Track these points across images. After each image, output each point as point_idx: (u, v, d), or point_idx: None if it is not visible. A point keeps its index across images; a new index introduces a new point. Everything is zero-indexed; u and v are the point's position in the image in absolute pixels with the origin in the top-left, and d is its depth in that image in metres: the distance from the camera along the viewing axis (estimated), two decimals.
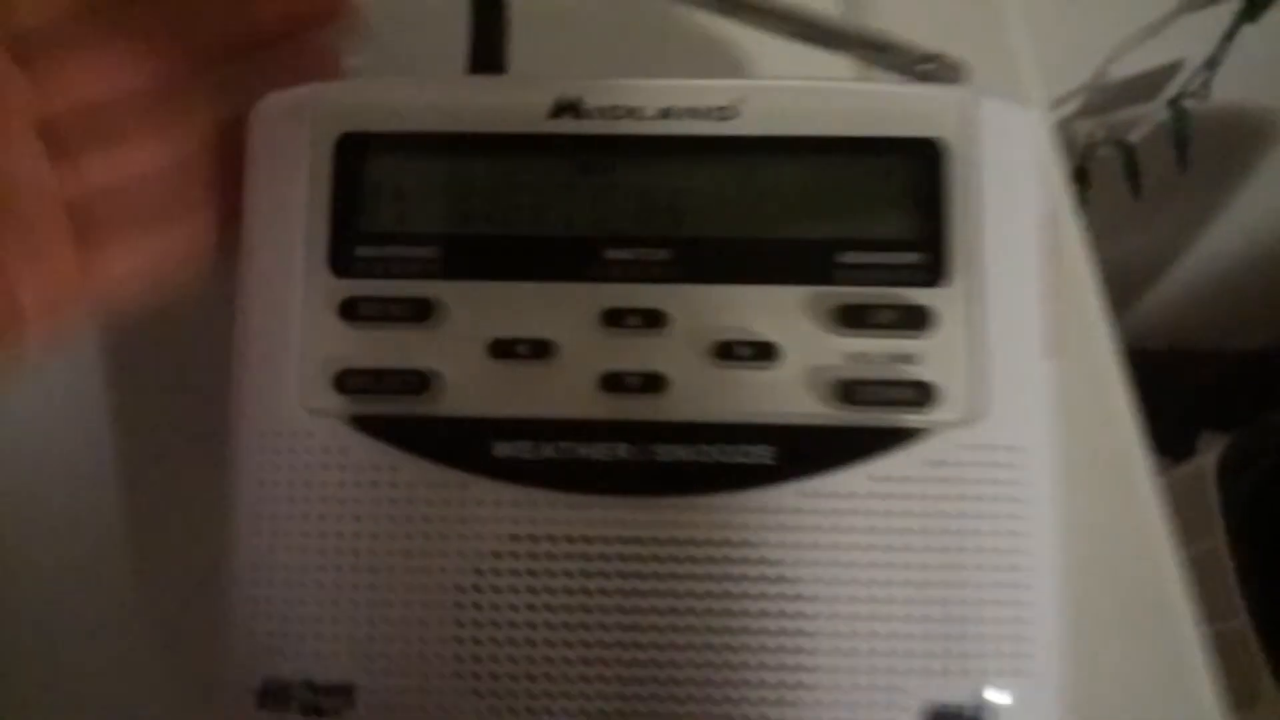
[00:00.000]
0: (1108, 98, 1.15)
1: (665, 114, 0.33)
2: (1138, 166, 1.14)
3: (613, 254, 0.33)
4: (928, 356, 0.32)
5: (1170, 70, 1.12)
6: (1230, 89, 1.07)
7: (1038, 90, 0.46)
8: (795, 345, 0.32)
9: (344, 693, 0.32)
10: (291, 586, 0.32)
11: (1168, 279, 1.38)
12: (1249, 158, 1.19)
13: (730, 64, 0.45)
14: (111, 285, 0.32)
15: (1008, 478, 0.32)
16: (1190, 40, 1.06)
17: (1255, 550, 1.08)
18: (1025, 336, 0.33)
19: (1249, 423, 1.13)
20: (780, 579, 0.31)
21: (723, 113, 0.33)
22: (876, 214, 0.33)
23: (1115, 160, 1.13)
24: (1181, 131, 1.11)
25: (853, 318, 0.32)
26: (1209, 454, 1.09)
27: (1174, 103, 1.12)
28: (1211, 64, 1.05)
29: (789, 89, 0.34)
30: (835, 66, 0.41)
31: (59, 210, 0.30)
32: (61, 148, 0.30)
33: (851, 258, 0.33)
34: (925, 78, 0.35)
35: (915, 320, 0.32)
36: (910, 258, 0.33)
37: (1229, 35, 1.01)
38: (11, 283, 0.29)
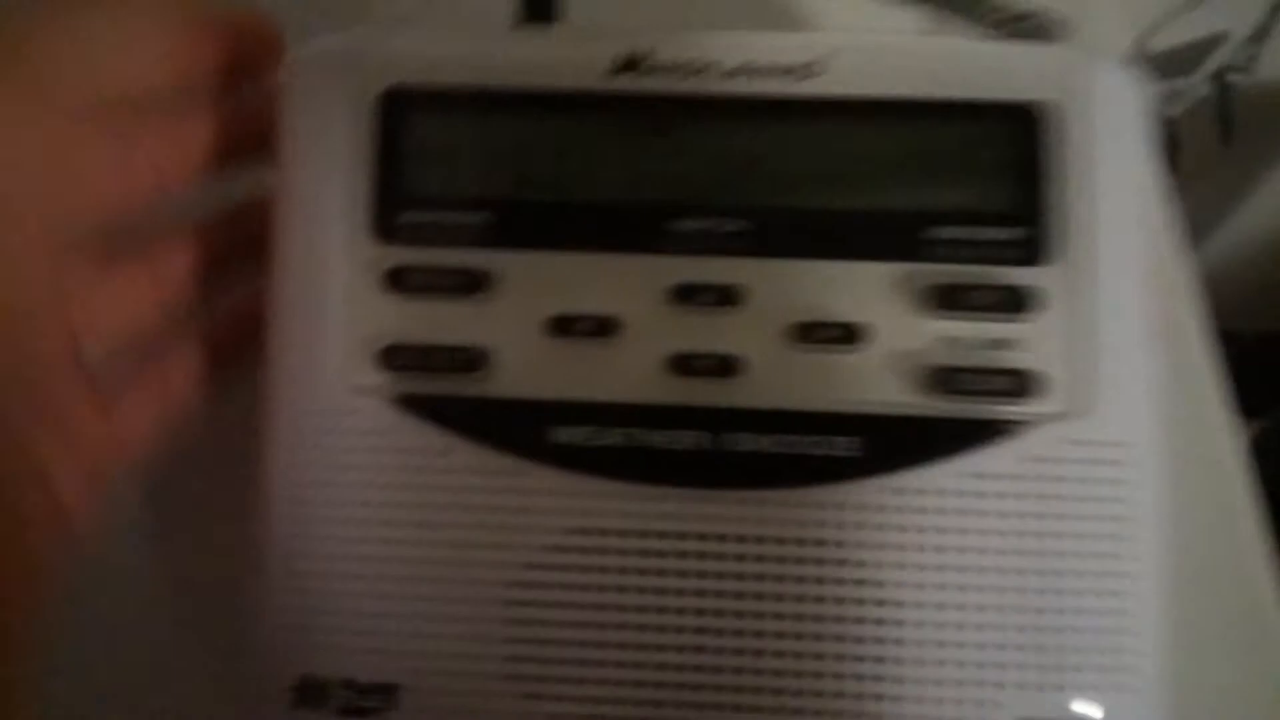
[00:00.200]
0: (1148, 70, 1.12)
1: (739, 71, 0.30)
2: (1178, 141, 1.10)
3: (682, 224, 0.30)
4: (1027, 342, 0.30)
5: (1213, 42, 1.09)
6: (1277, 63, 1.03)
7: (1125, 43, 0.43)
8: (882, 327, 0.30)
9: (386, 692, 0.29)
10: (331, 579, 0.30)
11: (1201, 255, 1.34)
12: None
13: (792, 17, 0.42)
14: (135, 439, 0.31)
15: (1112, 476, 0.30)
16: (1235, 12, 1.02)
17: None
18: (1132, 320, 0.30)
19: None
20: (864, 581, 0.29)
21: (803, 71, 0.30)
22: (972, 184, 0.30)
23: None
24: (1225, 106, 1.07)
25: (946, 298, 0.30)
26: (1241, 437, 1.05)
27: (1217, 76, 1.08)
28: (1258, 37, 1.01)
29: (877, 45, 0.31)
30: (901, 22, 0.38)
31: (86, 388, 0.29)
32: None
33: (945, 232, 0.30)
34: (1021, 36, 0.32)
35: (1014, 302, 0.30)
36: (1009, 233, 0.30)
37: (1277, 7, 0.98)
38: (52, 481, 0.28)
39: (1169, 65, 1.12)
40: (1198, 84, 1.10)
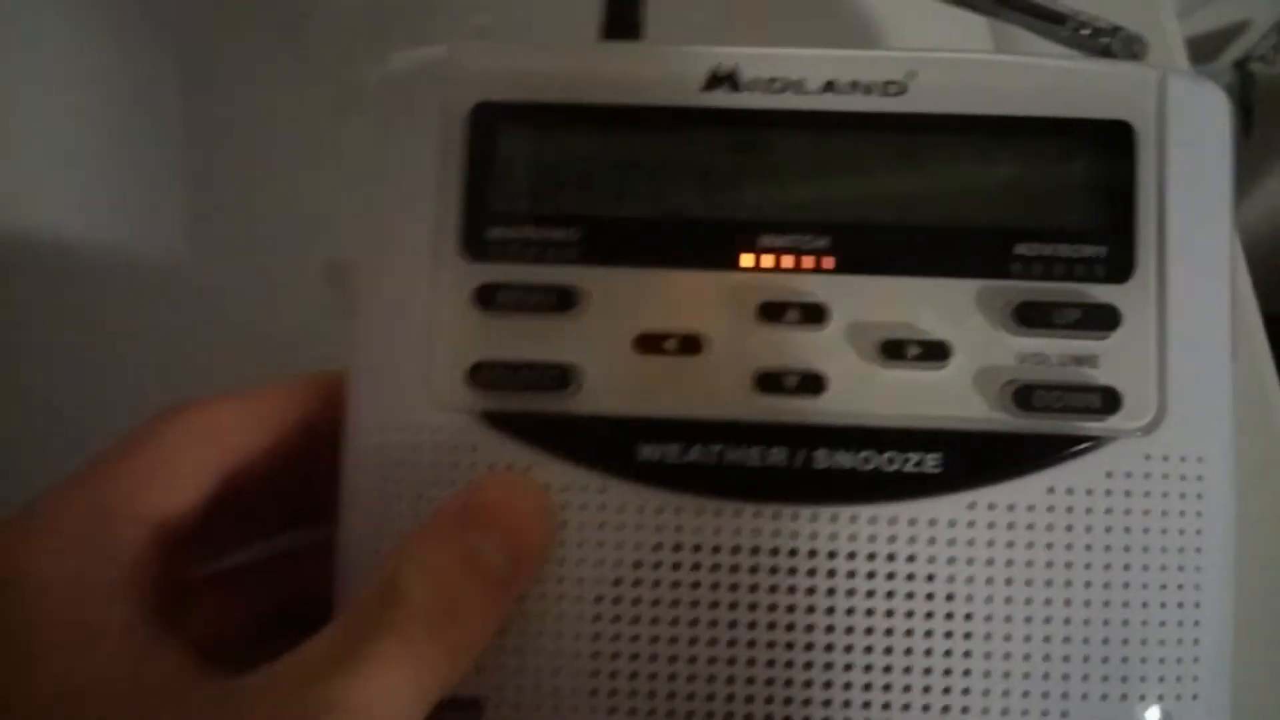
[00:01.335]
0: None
1: (829, 87, 0.30)
2: None
3: (770, 241, 0.30)
4: (1110, 358, 0.30)
5: (1236, 31, 1.08)
6: None
7: (1181, 58, 0.43)
8: (967, 345, 0.30)
9: (472, 707, 0.29)
10: None
11: None
12: None
13: (869, 33, 0.42)
14: None
15: (1190, 490, 0.30)
16: (1258, 1, 1.02)
17: None
18: (1212, 337, 0.30)
19: None
20: (946, 596, 0.29)
21: (892, 87, 0.30)
22: (1059, 202, 0.30)
23: None
24: (1246, 95, 1.07)
25: (1031, 316, 0.29)
26: None
27: (1239, 65, 1.08)
28: None
29: (964, 62, 0.31)
30: (980, 35, 0.38)
31: None
32: None
33: (1031, 249, 0.30)
34: (1100, 53, 0.32)
35: (1099, 320, 0.30)
36: (1095, 251, 0.30)
37: None
38: None
39: (1194, 53, 1.12)
40: (1219, 72, 1.10)
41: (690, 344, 0.30)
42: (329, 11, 0.32)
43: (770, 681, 0.29)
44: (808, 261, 0.30)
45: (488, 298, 0.30)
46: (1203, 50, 1.13)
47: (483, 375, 0.30)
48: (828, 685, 0.29)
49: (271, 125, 0.42)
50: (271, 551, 0.35)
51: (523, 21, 0.37)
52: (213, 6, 0.43)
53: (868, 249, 0.30)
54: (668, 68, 0.31)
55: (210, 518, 0.30)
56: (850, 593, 0.29)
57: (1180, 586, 0.29)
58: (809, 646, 0.29)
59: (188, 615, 0.31)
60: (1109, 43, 0.32)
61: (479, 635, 0.27)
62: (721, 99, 0.30)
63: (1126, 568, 0.29)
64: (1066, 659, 0.29)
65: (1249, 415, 0.40)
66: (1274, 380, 0.40)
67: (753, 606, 0.29)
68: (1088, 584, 0.29)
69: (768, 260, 0.30)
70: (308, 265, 0.39)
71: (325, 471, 0.30)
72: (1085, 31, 0.32)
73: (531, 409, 0.30)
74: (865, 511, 0.29)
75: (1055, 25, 0.32)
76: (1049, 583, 0.29)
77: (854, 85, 0.30)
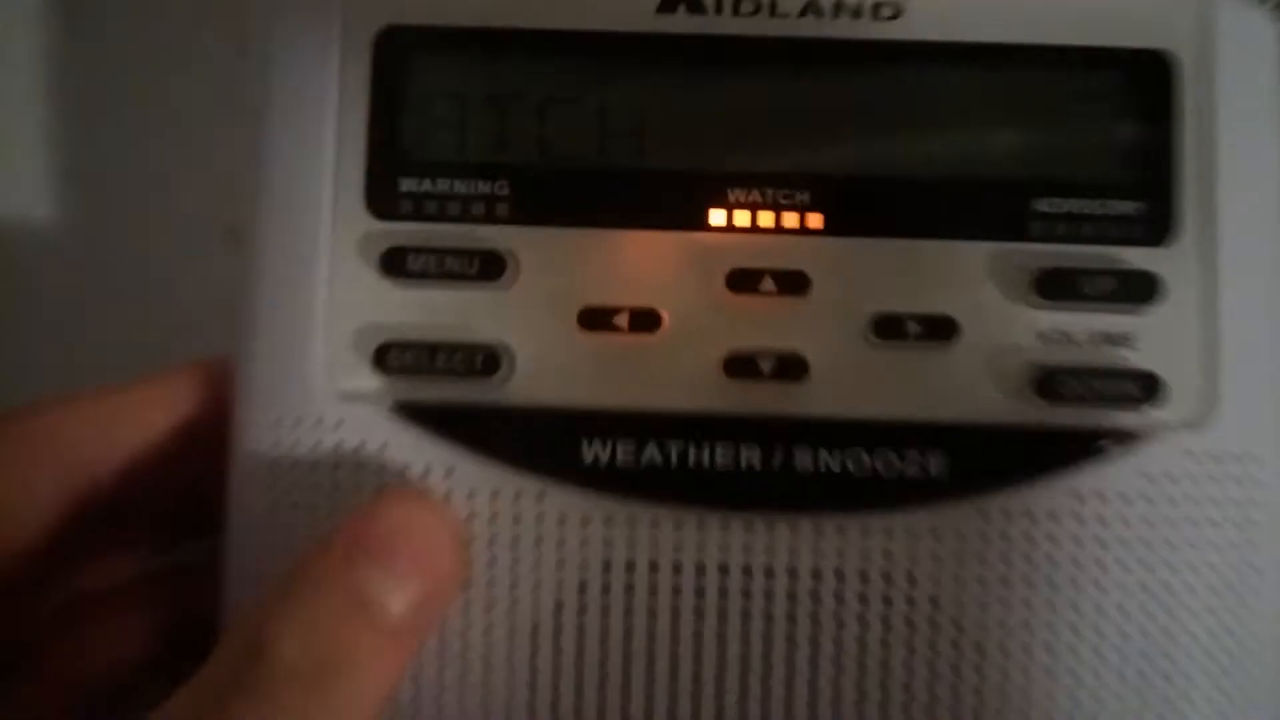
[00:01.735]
0: None
1: (810, 9, 0.26)
2: None
3: (740, 195, 0.26)
4: (1149, 337, 0.26)
5: None
6: None
7: None
8: (978, 321, 0.26)
9: None
10: None
11: None
12: None
13: None
14: None
15: (1243, 496, 0.26)
16: None
17: None
18: (1271, 310, 0.26)
19: None
20: (953, 623, 0.25)
21: (885, 9, 0.27)
22: (1086, 148, 0.27)
23: None
24: None
25: (1054, 286, 0.26)
26: None
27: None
28: None
29: None
30: None
31: None
32: None
33: (1053, 205, 0.26)
34: None
35: (1137, 290, 0.26)
36: (1130, 207, 0.26)
37: None
38: None
39: None
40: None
41: (645, 320, 0.26)
42: None
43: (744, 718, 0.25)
44: (786, 220, 0.26)
45: (397, 264, 0.26)
46: None
47: (393, 358, 0.26)
48: None
49: (161, 68, 0.37)
50: (167, 565, 0.30)
51: None
52: None
53: (857, 205, 0.26)
54: None
55: (64, 543, 0.26)
56: (840, 622, 0.25)
57: (1230, 610, 0.26)
58: (789, 683, 0.25)
59: (63, 645, 0.28)
60: None
61: (372, 693, 0.22)
62: (680, 23, 0.26)
63: (1168, 589, 0.25)
64: (1097, 697, 0.25)
65: None
66: None
67: (721, 638, 0.25)
68: (1121, 608, 0.25)
69: (738, 218, 0.26)
70: (209, 229, 0.34)
71: (215, 474, 0.26)
72: None
73: (453, 399, 0.26)
74: (855, 522, 0.25)
75: None
76: (1076, 608, 0.25)
77: (839, 7, 0.26)
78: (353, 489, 0.25)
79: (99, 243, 0.37)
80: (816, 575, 0.25)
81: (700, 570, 0.25)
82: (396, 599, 0.22)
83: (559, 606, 0.25)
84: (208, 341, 0.27)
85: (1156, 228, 0.26)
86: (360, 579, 0.22)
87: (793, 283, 0.26)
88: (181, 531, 0.29)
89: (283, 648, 0.21)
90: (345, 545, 0.23)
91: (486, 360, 0.26)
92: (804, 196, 0.26)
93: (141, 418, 0.27)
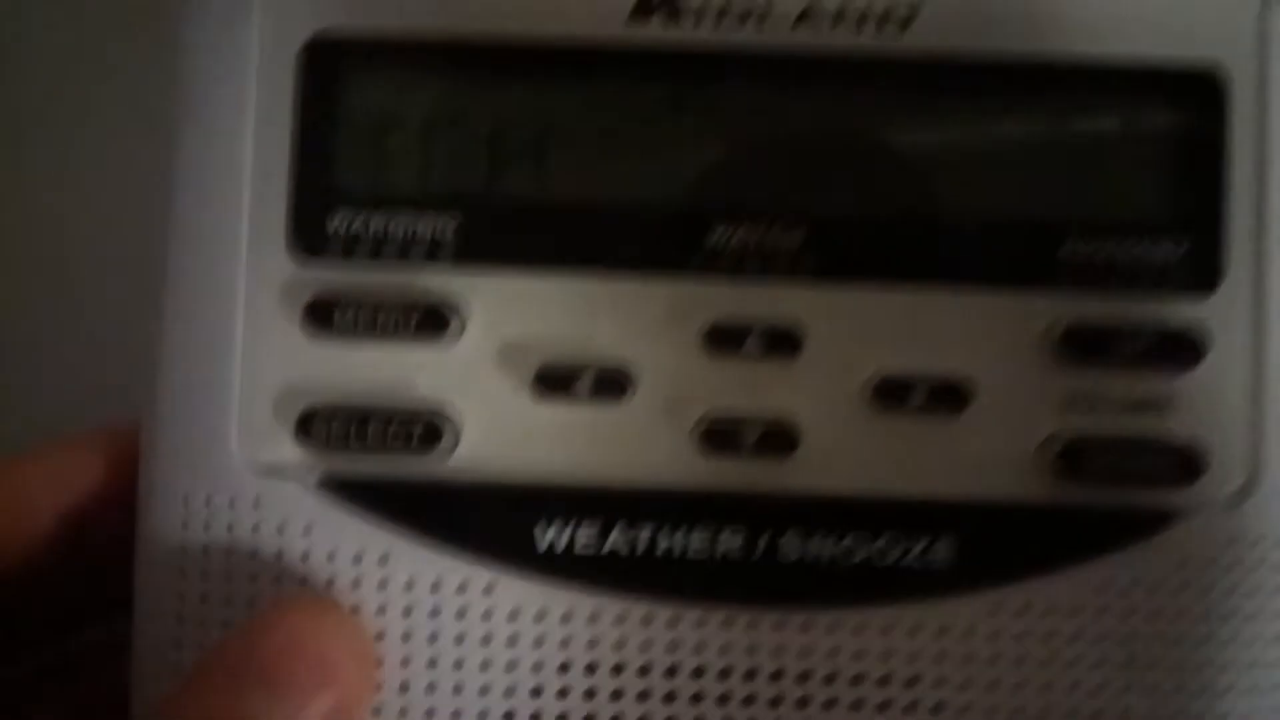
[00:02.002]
0: None
1: (805, 18, 0.24)
2: None
3: (722, 235, 0.24)
4: (1189, 403, 0.23)
5: None
6: None
7: None
8: (994, 385, 0.23)
9: None
10: None
11: None
12: None
13: None
14: None
15: None
16: None
17: None
18: None
19: None
20: None
21: (893, 18, 0.24)
22: (1122, 182, 0.24)
23: None
24: None
25: (1084, 344, 0.23)
26: None
27: None
28: None
29: None
30: None
31: None
32: None
33: (1083, 248, 0.24)
34: None
35: (1177, 349, 0.23)
36: (1171, 250, 0.24)
37: None
38: None
39: None
40: None
41: (611, 382, 0.23)
42: None
43: None
44: (774, 265, 0.24)
45: (324, 316, 0.23)
46: None
47: (319, 426, 0.23)
48: None
49: (74, 88, 0.34)
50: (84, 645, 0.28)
51: None
52: None
53: (857, 247, 0.24)
54: None
55: None
56: None
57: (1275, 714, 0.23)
58: None
59: None
60: None
61: None
62: (655, 33, 0.24)
63: (1206, 691, 0.23)
64: None
65: None
66: None
67: None
68: (1154, 715, 0.23)
69: (719, 262, 0.24)
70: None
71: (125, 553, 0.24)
72: None
73: (388, 473, 0.23)
74: (850, 618, 0.23)
75: None
76: (1099, 713, 0.23)
77: (840, 16, 0.24)
78: (273, 579, 0.23)
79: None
80: (804, 679, 0.23)
81: (672, 674, 0.23)
82: None
83: (509, 716, 0.23)
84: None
85: (1202, 272, 0.24)
86: (249, 706, 0.20)
87: (782, 340, 0.23)
88: (90, 614, 0.27)
89: None
90: (231, 669, 0.21)
91: (427, 429, 0.23)
92: (797, 237, 0.24)
93: (35, 496, 0.25)
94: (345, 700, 0.22)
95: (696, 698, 0.23)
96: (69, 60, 0.35)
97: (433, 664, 0.23)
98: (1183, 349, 0.23)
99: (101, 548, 0.25)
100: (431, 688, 0.23)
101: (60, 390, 0.34)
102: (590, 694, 0.23)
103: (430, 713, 0.23)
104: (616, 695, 0.23)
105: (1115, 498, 0.23)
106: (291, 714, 0.21)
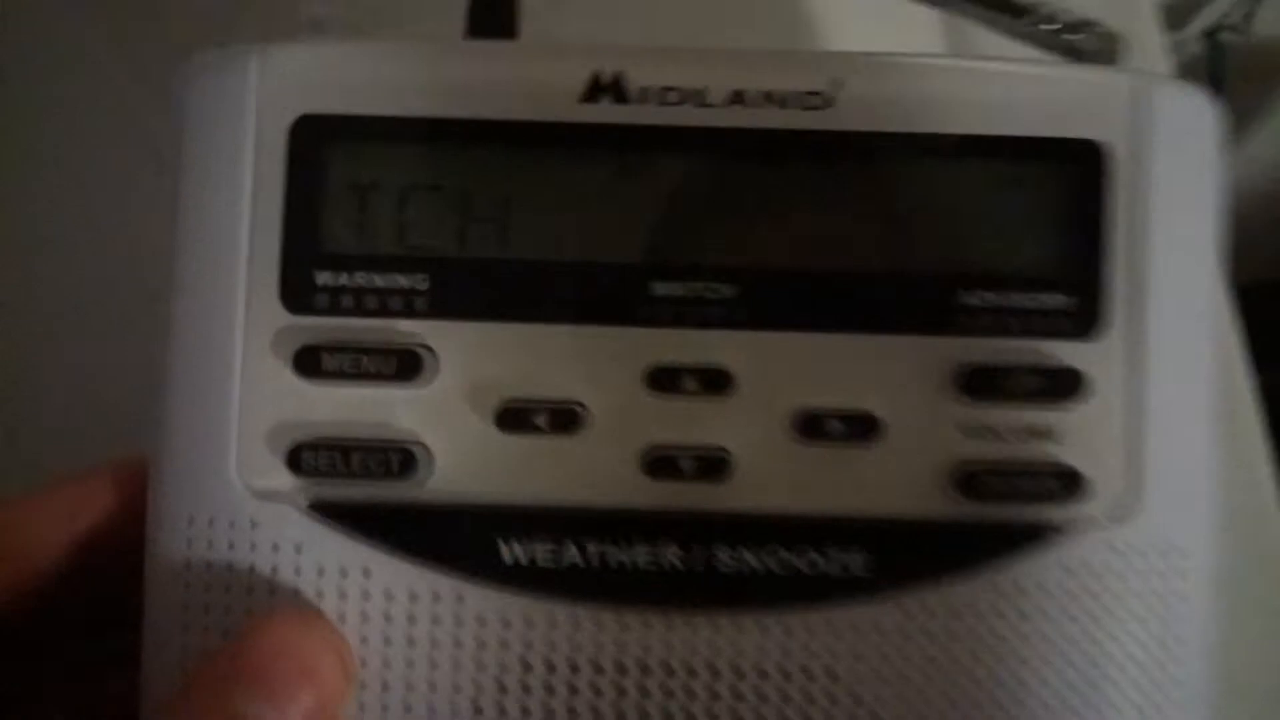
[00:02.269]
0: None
1: (736, 99, 0.25)
2: None
3: (662, 289, 0.26)
4: (1074, 432, 0.25)
5: None
6: (1272, 23, 0.98)
7: (1161, 59, 0.37)
8: (902, 418, 0.25)
9: None
10: None
11: None
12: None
13: (804, 29, 0.36)
14: None
15: (1166, 589, 0.25)
16: None
17: None
18: (1196, 404, 0.26)
19: (1261, 364, 1.07)
20: (874, 719, 0.25)
21: (814, 99, 0.26)
22: (1013, 241, 0.26)
23: None
24: (1216, 65, 1.02)
25: (980, 382, 0.25)
26: None
27: (1210, 34, 1.03)
28: None
29: (900, 68, 0.26)
30: (921, 31, 0.32)
31: None
32: None
33: (980, 299, 0.26)
34: (1067, 53, 0.27)
35: (1063, 386, 0.25)
36: (1059, 301, 0.26)
37: None
38: None
39: (1161, 19, 1.07)
40: (1189, 40, 1.05)
41: (565, 418, 0.25)
42: (166, 5, 0.26)
43: None
44: (708, 315, 0.26)
45: (310, 362, 0.25)
46: (1174, 17, 1.08)
47: (307, 458, 0.25)
48: None
49: (98, 137, 0.36)
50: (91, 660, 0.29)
51: (377, 10, 0.31)
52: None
53: (782, 299, 0.26)
54: (539, 73, 0.26)
55: None
56: (761, 718, 0.25)
57: (1152, 703, 0.25)
58: None
59: None
60: (1078, 40, 0.27)
61: None
62: (605, 113, 0.25)
63: (1091, 684, 0.25)
64: None
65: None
66: (1260, 439, 0.35)
67: None
68: (1044, 703, 0.25)
69: (659, 313, 0.25)
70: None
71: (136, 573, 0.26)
72: (1050, 27, 0.27)
73: (369, 498, 0.25)
74: (778, 621, 0.25)
75: (1015, 19, 0.27)
76: (998, 703, 0.25)
77: (767, 97, 0.25)
78: (267, 590, 0.25)
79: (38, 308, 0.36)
80: (738, 673, 0.25)
81: (621, 669, 0.25)
82: None
83: (478, 710, 0.25)
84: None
85: (1085, 321, 0.26)
86: (238, 708, 0.22)
87: (715, 380, 0.25)
88: (103, 628, 0.29)
89: None
90: (221, 674, 0.22)
91: (403, 460, 0.25)
92: (728, 290, 0.26)
93: (51, 528, 0.26)
94: (326, 698, 0.23)
95: (643, 692, 0.25)
96: (90, 115, 0.37)
97: (410, 664, 0.25)
98: (1067, 386, 0.25)
99: (113, 566, 0.26)
100: (409, 686, 0.25)
101: (73, 422, 0.35)
102: (549, 689, 0.25)
103: (408, 708, 0.25)
104: (572, 690, 0.25)
105: (1009, 514, 0.25)
106: (277, 711, 0.22)
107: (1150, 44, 0.37)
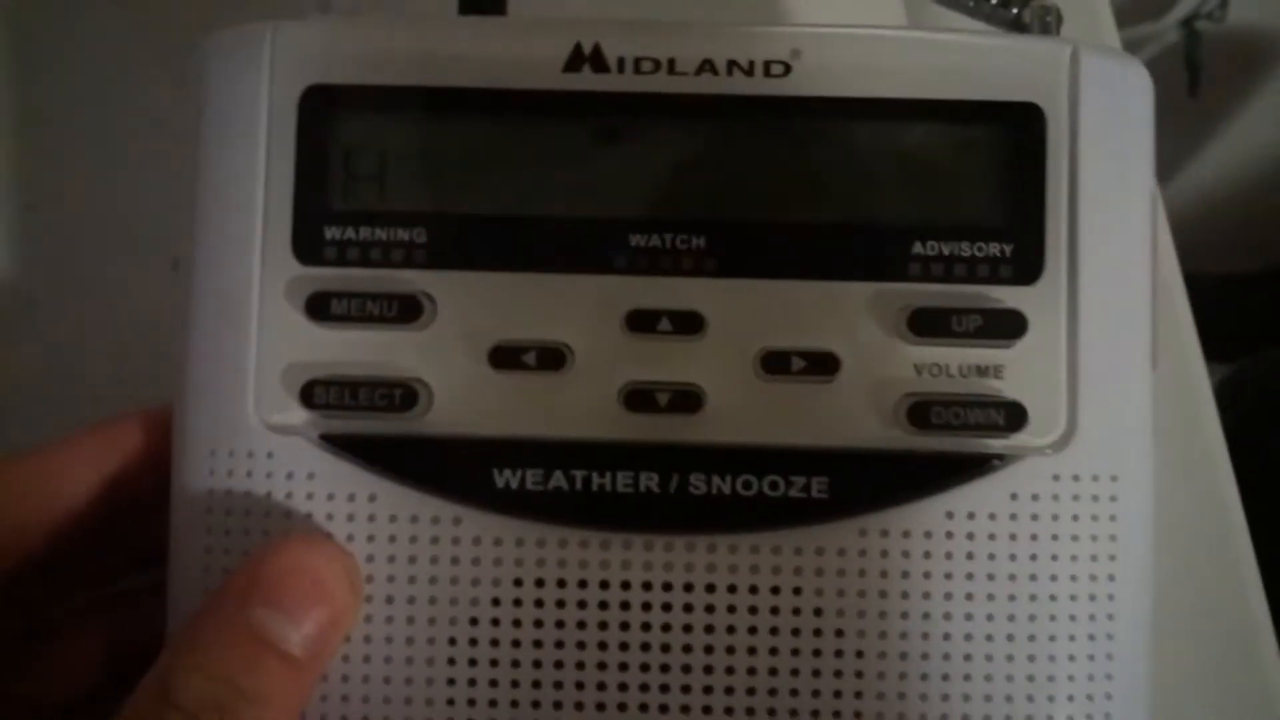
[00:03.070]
0: (1115, 14, 1.08)
1: (705, 68, 0.28)
2: None
3: (640, 240, 0.27)
4: (1016, 369, 0.27)
5: None
6: (1248, 11, 1.00)
7: (1111, 32, 0.40)
8: (858, 356, 0.27)
9: None
10: None
11: (1166, 201, 1.32)
12: (1260, 83, 1.13)
13: (762, 3, 0.39)
14: None
15: (1103, 512, 0.27)
16: None
17: (1245, 491, 1.04)
18: (1129, 345, 0.28)
19: (1241, 353, 1.08)
20: (836, 631, 0.27)
21: (775, 67, 0.28)
22: (960, 195, 0.28)
23: None
24: (1193, 54, 1.05)
25: (929, 323, 0.27)
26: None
27: (1187, 23, 1.05)
28: None
29: (854, 38, 0.28)
30: (881, 7, 0.35)
31: None
32: None
33: (929, 248, 0.28)
34: (1011, 26, 0.29)
35: (1005, 327, 0.27)
36: (1000, 249, 0.28)
37: None
38: None
39: (1138, 9, 1.09)
40: (1166, 30, 1.07)
41: (551, 357, 0.27)
42: None
43: None
44: (682, 264, 0.27)
45: (322, 307, 0.27)
46: (1150, 8, 1.10)
47: (319, 394, 0.27)
48: None
49: (107, 106, 0.38)
50: (118, 593, 0.32)
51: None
52: None
53: (749, 249, 0.27)
54: (525, 46, 0.28)
55: (15, 589, 0.28)
56: (731, 629, 0.27)
57: (1092, 617, 0.27)
58: (686, 689, 0.27)
59: (16, 670, 0.29)
60: (1020, 14, 0.29)
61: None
62: (585, 81, 0.27)
63: (1033, 598, 0.27)
64: (967, 697, 0.27)
65: (1175, 414, 0.37)
66: (1204, 379, 0.37)
67: (624, 646, 0.27)
68: (990, 616, 0.27)
69: (637, 262, 0.27)
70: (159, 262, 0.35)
71: (161, 511, 0.28)
72: (994, 1, 0.28)
73: (375, 431, 0.27)
74: (746, 541, 0.27)
75: None
76: (948, 615, 0.27)
77: (732, 65, 0.27)
78: (283, 515, 0.27)
79: (59, 273, 0.38)
80: (710, 589, 0.27)
81: (604, 586, 0.27)
82: (292, 634, 0.24)
83: (474, 620, 0.27)
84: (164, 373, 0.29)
85: (1024, 268, 0.27)
86: (256, 619, 0.24)
87: (688, 322, 0.27)
88: (132, 563, 0.31)
89: (188, 688, 0.23)
90: (240, 590, 0.24)
91: (405, 395, 0.27)
92: (700, 241, 0.27)
93: (81, 473, 0.28)
94: (337, 613, 0.25)
95: (624, 605, 0.27)
96: (116, 94, 0.39)
97: (412, 580, 0.27)
98: (1010, 327, 0.27)
99: (143, 505, 0.29)
100: (411, 600, 0.27)
101: (101, 372, 0.37)
102: (539, 603, 0.27)
103: (410, 620, 0.27)
104: (559, 604, 0.27)
105: (957, 444, 0.27)
106: (291, 623, 0.24)
107: (1103, 19, 0.39)
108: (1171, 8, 1.05)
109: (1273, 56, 1.08)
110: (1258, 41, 1.07)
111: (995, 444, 0.27)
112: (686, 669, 0.27)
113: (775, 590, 0.27)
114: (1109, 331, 0.28)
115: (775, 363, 0.27)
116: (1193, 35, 1.04)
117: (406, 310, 0.27)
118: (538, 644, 0.27)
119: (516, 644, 0.27)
